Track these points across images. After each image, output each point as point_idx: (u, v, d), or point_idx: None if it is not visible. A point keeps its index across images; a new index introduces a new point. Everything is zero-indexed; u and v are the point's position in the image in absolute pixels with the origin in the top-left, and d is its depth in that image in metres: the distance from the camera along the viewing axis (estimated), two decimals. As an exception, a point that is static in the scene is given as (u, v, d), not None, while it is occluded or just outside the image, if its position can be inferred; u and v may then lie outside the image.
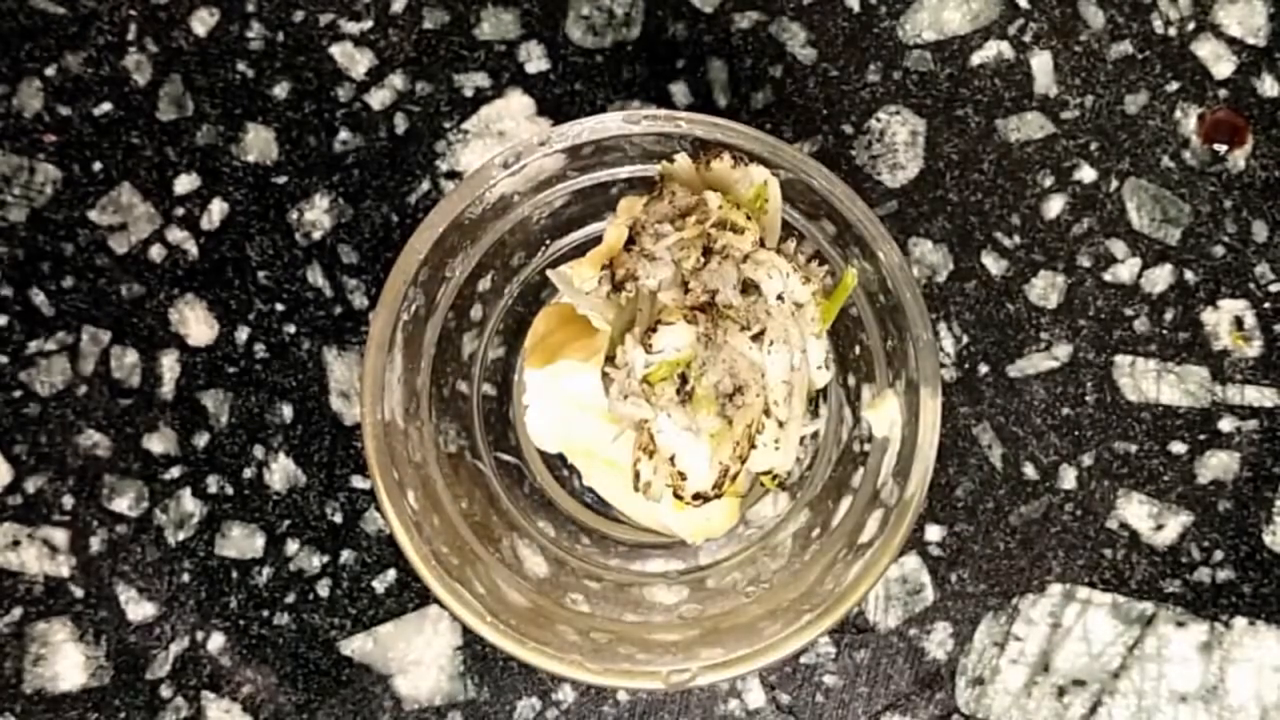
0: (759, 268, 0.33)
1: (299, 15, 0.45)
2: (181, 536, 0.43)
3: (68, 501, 0.43)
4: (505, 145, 0.39)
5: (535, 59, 0.45)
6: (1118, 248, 0.44)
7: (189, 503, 0.43)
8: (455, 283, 0.38)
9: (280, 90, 0.45)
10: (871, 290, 0.36)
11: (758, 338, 0.33)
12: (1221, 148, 0.44)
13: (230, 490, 0.43)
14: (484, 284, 0.40)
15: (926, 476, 0.35)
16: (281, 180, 0.44)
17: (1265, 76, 0.45)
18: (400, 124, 0.44)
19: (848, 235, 0.36)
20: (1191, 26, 0.45)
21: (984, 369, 0.43)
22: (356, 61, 0.45)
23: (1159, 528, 0.43)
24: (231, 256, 0.44)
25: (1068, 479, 0.43)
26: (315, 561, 0.43)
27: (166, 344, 0.44)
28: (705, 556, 0.40)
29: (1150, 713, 0.42)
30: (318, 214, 0.44)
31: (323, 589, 0.43)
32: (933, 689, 0.42)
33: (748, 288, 0.33)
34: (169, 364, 0.44)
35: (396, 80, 0.45)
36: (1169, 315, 0.44)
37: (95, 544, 0.43)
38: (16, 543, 0.43)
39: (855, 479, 0.38)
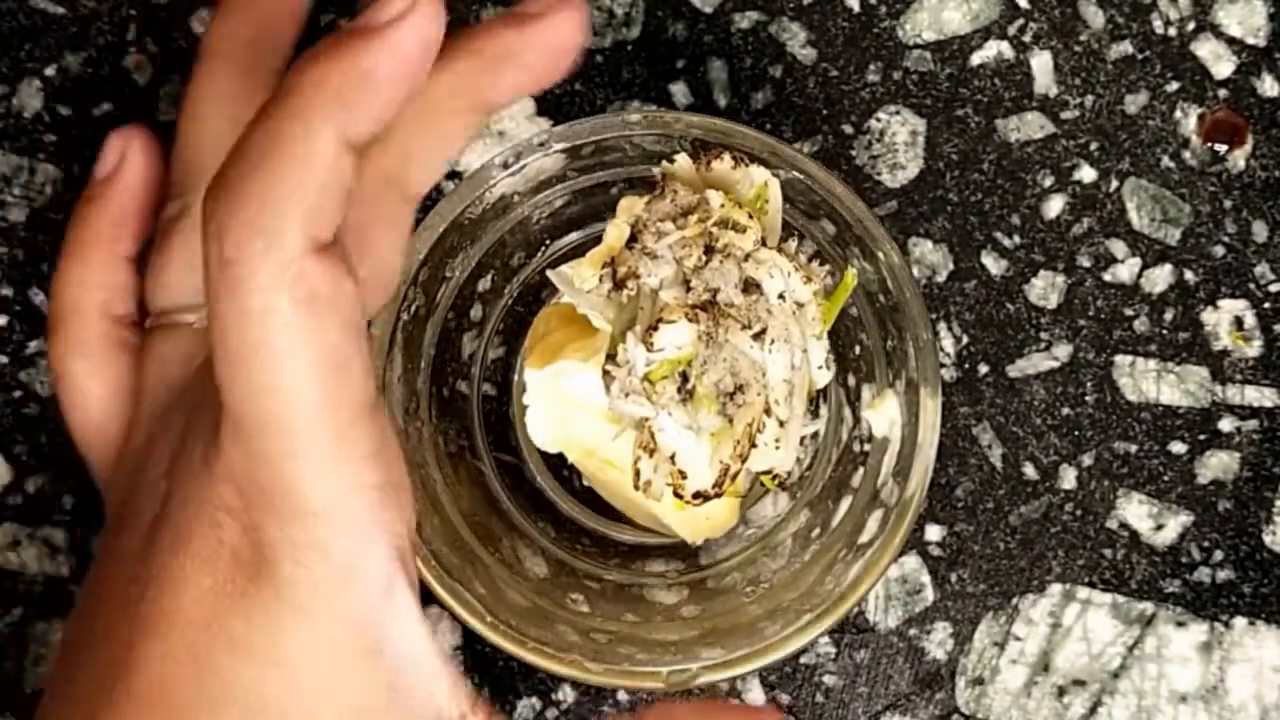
0: (760, 267, 0.33)
1: (299, 15, 0.45)
2: (181, 536, 0.43)
3: (68, 501, 0.43)
4: (505, 145, 0.39)
5: (535, 59, 0.45)
6: (1118, 248, 0.44)
7: (189, 503, 0.43)
8: (455, 283, 0.38)
9: (280, 90, 0.45)
10: (871, 290, 0.36)
11: (759, 337, 0.33)
12: (1221, 148, 0.44)
13: (230, 490, 0.43)
14: (484, 284, 0.40)
15: (926, 476, 0.35)
16: (281, 180, 0.44)
17: (1265, 76, 0.45)
18: (400, 124, 0.44)
19: (848, 235, 0.36)
20: (1191, 26, 0.45)
21: (984, 369, 0.43)
22: (356, 61, 0.45)
23: (1159, 528, 0.43)
24: (231, 256, 0.44)
25: (1068, 479, 0.43)
26: (315, 561, 0.43)
27: (166, 344, 0.44)
28: (705, 557, 0.40)
29: (1150, 713, 0.42)
30: (318, 214, 0.44)
31: (323, 589, 0.43)
32: (933, 689, 0.42)
33: (749, 287, 0.33)
34: (169, 364, 0.44)
35: (396, 80, 0.45)
36: (1169, 315, 0.44)
37: (95, 544, 0.43)
38: (16, 543, 0.43)
39: (855, 479, 0.38)
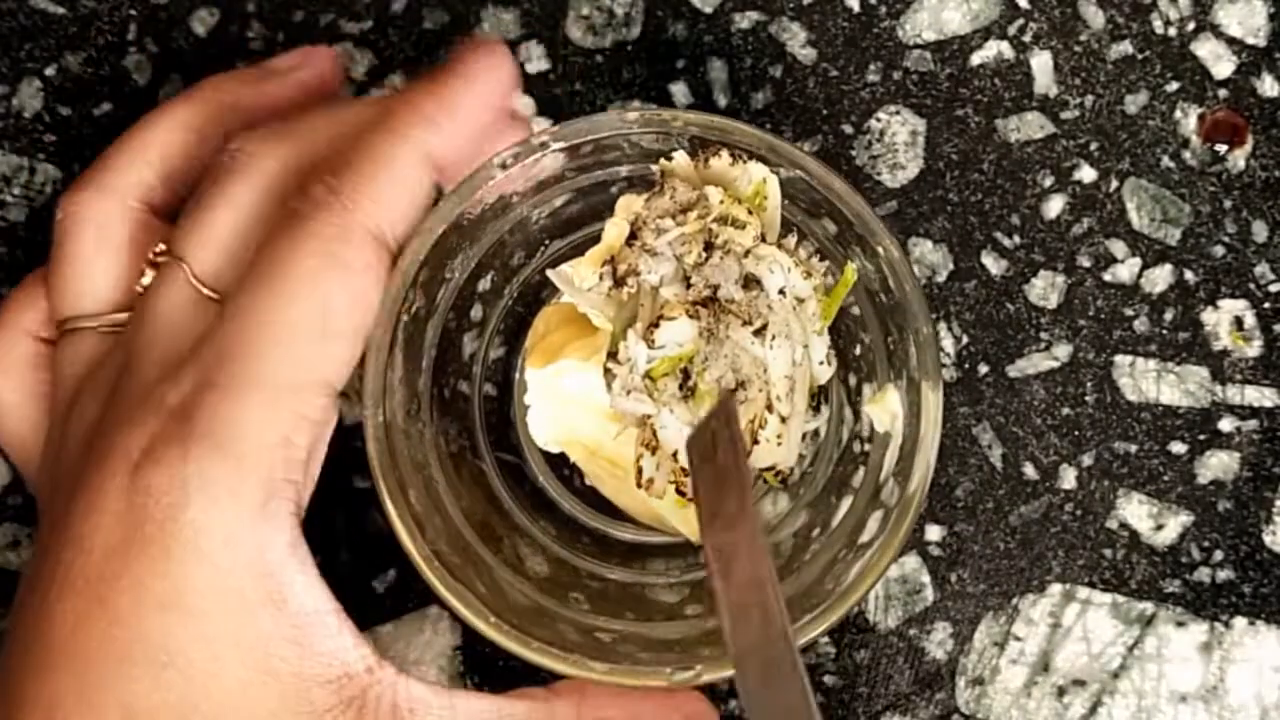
0: (760, 262, 0.33)
1: (299, 15, 0.45)
2: (181, 537, 0.43)
3: (67, 502, 0.43)
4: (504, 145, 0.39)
5: (535, 59, 0.45)
6: (1118, 248, 0.44)
7: (189, 503, 0.43)
8: (455, 284, 0.38)
9: (280, 90, 0.45)
10: (872, 288, 0.36)
11: (760, 332, 0.33)
12: (1221, 148, 0.44)
13: (230, 490, 0.43)
14: (484, 284, 0.40)
15: (928, 474, 0.34)
16: (281, 180, 0.44)
17: (1265, 76, 0.45)
18: (400, 124, 0.44)
19: (848, 233, 0.36)
20: (1191, 26, 0.45)
21: (984, 369, 0.43)
22: (356, 61, 0.45)
23: (1159, 528, 0.43)
24: (231, 257, 0.44)
25: (1068, 479, 0.43)
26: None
27: (166, 344, 0.44)
28: (706, 556, 0.40)
29: (1150, 713, 0.42)
30: (318, 214, 0.44)
31: (323, 589, 0.43)
32: (933, 689, 0.42)
33: (749, 283, 0.33)
34: (169, 364, 0.44)
35: (397, 80, 0.45)
36: (1169, 315, 0.44)
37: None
38: (16, 543, 0.43)
39: (856, 478, 0.38)
